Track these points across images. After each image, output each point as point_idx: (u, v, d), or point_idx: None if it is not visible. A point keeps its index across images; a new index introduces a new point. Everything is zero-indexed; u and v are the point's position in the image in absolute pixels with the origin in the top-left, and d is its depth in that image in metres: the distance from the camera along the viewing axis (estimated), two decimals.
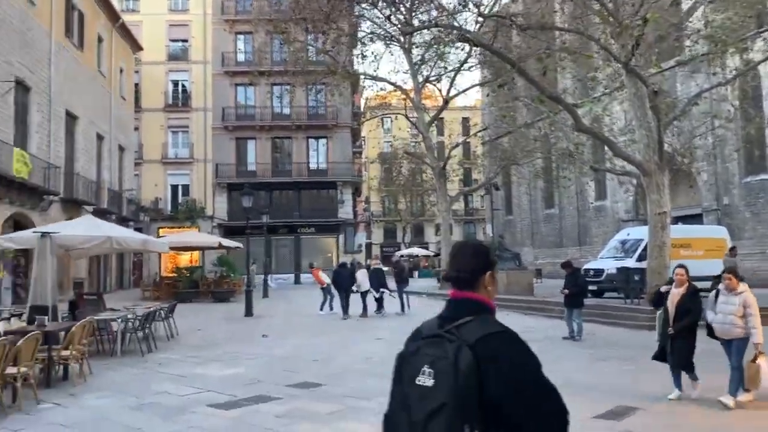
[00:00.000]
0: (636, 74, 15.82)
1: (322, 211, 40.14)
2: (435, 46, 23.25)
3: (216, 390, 8.31)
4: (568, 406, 1.79)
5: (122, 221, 33.88)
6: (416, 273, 54.09)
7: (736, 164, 27.76)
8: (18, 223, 21.73)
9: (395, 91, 32.07)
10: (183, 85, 42.02)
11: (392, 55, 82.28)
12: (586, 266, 22.01)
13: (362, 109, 46.96)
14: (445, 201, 30.67)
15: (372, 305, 18.74)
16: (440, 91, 31.20)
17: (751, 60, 19.68)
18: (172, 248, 30.33)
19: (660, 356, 7.55)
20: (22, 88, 22.46)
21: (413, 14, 24.66)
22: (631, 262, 19.67)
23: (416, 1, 24.61)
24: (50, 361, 8.56)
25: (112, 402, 7.67)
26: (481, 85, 29.95)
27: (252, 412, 7.13)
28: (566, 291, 13.15)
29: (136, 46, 37.67)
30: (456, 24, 17.14)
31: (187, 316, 18.99)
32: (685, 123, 21.33)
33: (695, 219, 28.55)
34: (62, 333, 9.02)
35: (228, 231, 36.81)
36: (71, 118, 27.45)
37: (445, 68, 29.53)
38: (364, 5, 24.99)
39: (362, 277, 18.30)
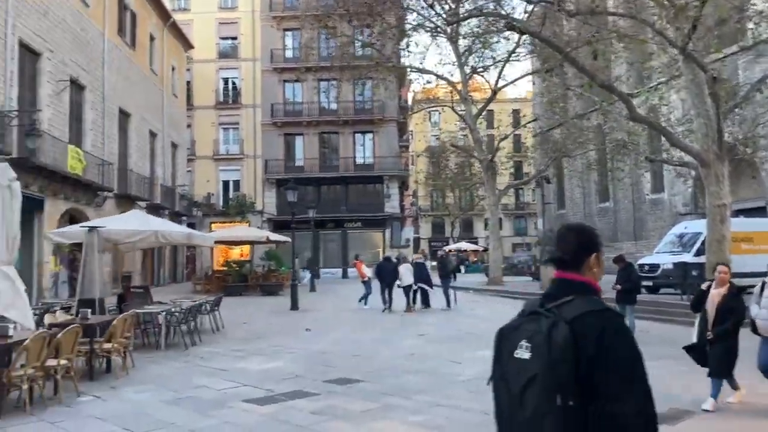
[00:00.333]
0: (694, 60, 15.03)
1: (369, 206, 40.12)
2: (482, 36, 22.74)
3: (254, 384, 8.25)
4: None
5: (175, 216, 34.65)
6: (462, 268, 53.59)
7: None
8: (73, 218, 22.37)
9: (442, 83, 31.63)
10: (233, 83, 42.65)
11: (438, 47, 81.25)
12: (640, 261, 21.18)
13: (409, 103, 46.71)
14: (494, 195, 30.12)
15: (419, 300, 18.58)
16: (488, 82, 30.62)
17: None
18: (219, 242, 30.92)
19: (700, 359, 6.85)
20: (76, 86, 23.11)
21: (459, 3, 24.21)
22: (688, 257, 18.77)
23: None
24: (92, 354, 8.65)
25: (151, 395, 7.69)
26: (530, 74, 29.17)
27: (287, 408, 7.01)
28: (618, 287, 12.59)
29: (187, 45, 38.39)
30: (503, 12, 16.64)
31: (234, 309, 19.23)
32: (748, 110, 20.20)
33: (759, 212, 27.13)
34: (104, 326, 9.10)
35: (277, 225, 37.19)
36: (124, 115, 28.14)
37: (494, 59, 28.98)
38: None
39: (405, 271, 18.08)
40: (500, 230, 59.97)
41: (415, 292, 18.42)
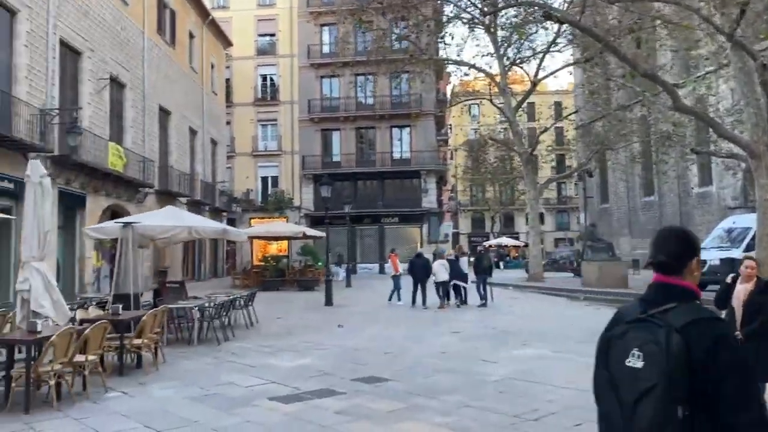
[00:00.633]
0: (742, 47, 14.33)
1: (406, 201, 39.90)
2: (520, 26, 22.23)
3: (281, 382, 8.15)
4: None
5: (215, 212, 35.10)
6: (501, 264, 52.83)
7: None
8: (115, 214, 22.76)
9: (481, 76, 31.14)
10: (271, 79, 42.92)
11: (477, 39, 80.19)
12: None
13: (448, 96, 46.21)
14: (534, 189, 29.54)
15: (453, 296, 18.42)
16: (527, 74, 30.00)
17: None
18: (254, 238, 31.14)
19: None
20: (116, 84, 23.52)
21: None
22: (737, 253, 17.97)
23: None
24: (122, 350, 8.69)
25: (177, 392, 7.66)
26: (570, 65, 28.44)
27: (312, 407, 6.87)
28: None
29: (227, 42, 38.77)
30: (540, 1, 16.16)
31: (270, 305, 19.30)
32: None
33: None
34: (135, 322, 9.13)
35: (314, 221, 37.31)
36: (164, 113, 28.55)
37: (533, 50, 28.39)
38: None
39: (439, 267, 17.78)
40: (542, 225, 58.99)
41: (455, 289, 18.15)
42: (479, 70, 28.68)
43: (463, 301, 18.93)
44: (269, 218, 38.98)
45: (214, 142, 36.51)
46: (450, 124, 61.63)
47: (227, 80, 40.99)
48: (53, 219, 18.69)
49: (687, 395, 1.77)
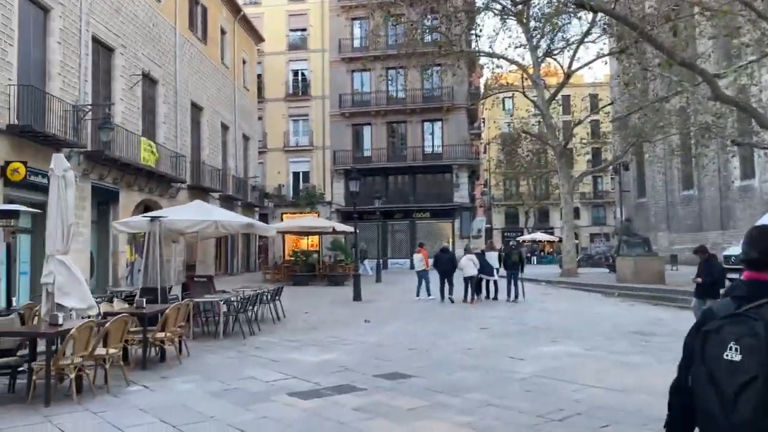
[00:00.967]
0: None
1: (438, 196, 39.57)
2: (552, 17, 21.70)
3: (302, 377, 8.04)
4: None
5: (247, 207, 35.36)
6: (533, 259, 52.12)
7: None
8: (148, 209, 23.02)
9: (513, 68, 30.59)
10: (302, 74, 43.00)
11: (509, 30, 79.08)
12: (726, 252, 19.79)
13: (481, 90, 45.65)
14: (568, 182, 28.94)
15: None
16: (561, 65, 29.38)
17: None
18: (284, 232, 31.20)
19: None
20: (149, 80, 23.78)
21: None
22: None
23: None
24: (146, 343, 8.69)
25: (198, 386, 7.61)
26: (605, 56, 27.73)
27: (331, 403, 6.74)
28: (698, 279, 11.65)
29: (258, 38, 38.95)
30: None
31: (299, 299, 19.32)
32: None
33: None
34: (158, 315, 9.12)
35: (345, 216, 37.27)
36: (196, 108, 28.81)
37: (566, 41, 27.77)
38: None
39: (467, 262, 17.57)
40: (577, 220, 57.89)
41: (477, 283, 17.96)
42: (511, 61, 28.20)
43: (493, 297, 18.73)
44: (301, 213, 39.16)
45: (245, 138, 36.76)
46: (483, 118, 60.97)
47: (259, 76, 41.22)
48: (86, 214, 19.02)
49: None
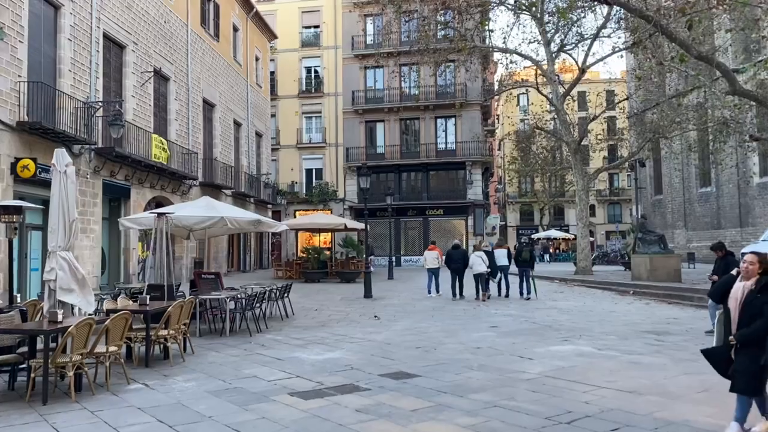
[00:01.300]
0: None
1: (451, 193, 39.31)
2: (566, 11, 21.36)
3: (306, 376, 7.90)
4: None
5: (260, 204, 35.33)
6: (546, 257, 51.68)
7: None
8: (160, 206, 23.02)
9: (528, 64, 30.26)
10: (315, 71, 42.91)
11: (523, 26, 78.47)
12: (744, 250, 19.31)
13: (495, 86, 45.27)
14: (582, 179, 28.54)
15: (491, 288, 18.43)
16: (576, 61, 28.98)
17: None
18: (295, 229, 31.04)
19: (719, 367, 5.42)
20: (160, 77, 23.76)
21: None
22: None
23: None
24: (148, 341, 8.59)
25: (199, 385, 7.48)
26: (619, 51, 27.27)
27: (332, 403, 6.58)
28: (714, 277, 11.38)
29: (271, 35, 38.87)
30: None
31: (309, 296, 19.25)
32: None
33: None
34: (162, 312, 9.02)
35: (358, 213, 37.14)
36: (208, 105, 28.79)
37: (581, 35, 27.35)
38: None
39: (476, 259, 17.42)
40: (593, 217, 57.24)
41: (486, 280, 17.84)
42: (525, 57, 27.84)
43: (505, 294, 18.58)
44: (314, 210, 39.11)
45: (258, 135, 36.73)
46: (497, 115, 60.52)
47: (272, 73, 41.19)
48: (98, 210, 19.04)
49: None
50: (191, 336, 10.45)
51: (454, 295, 18.20)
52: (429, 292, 19.13)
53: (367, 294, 18.49)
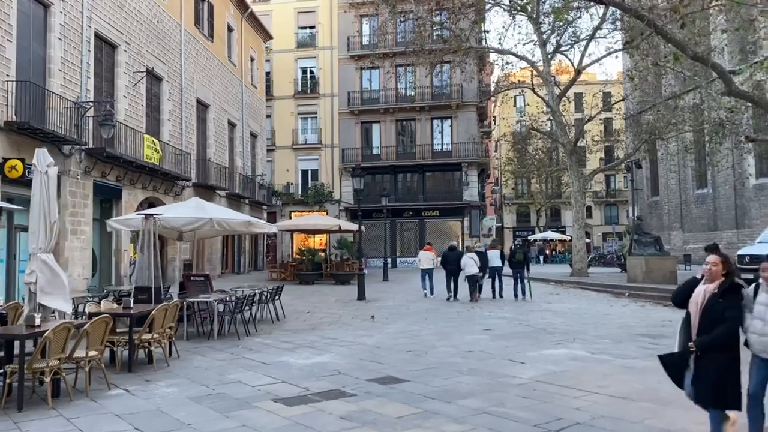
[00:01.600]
0: None
1: (447, 194, 39.15)
2: (561, 11, 21.20)
3: (292, 381, 7.72)
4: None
5: (255, 206, 35.14)
6: (541, 258, 51.52)
7: None
8: (153, 207, 22.84)
9: (524, 65, 30.09)
10: (311, 72, 42.72)
11: (519, 27, 78.53)
12: (740, 252, 19.22)
13: (491, 87, 45.13)
14: (578, 181, 28.40)
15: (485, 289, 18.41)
16: (571, 61, 28.85)
17: None
18: (288, 230, 30.77)
19: (675, 376, 5.13)
20: (153, 77, 23.57)
21: None
22: None
23: None
24: (131, 345, 8.41)
25: (181, 390, 7.30)
26: (615, 52, 27.15)
27: (317, 410, 6.40)
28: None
29: (266, 35, 38.68)
30: None
31: (303, 298, 19.06)
32: None
33: None
34: (145, 316, 8.83)
35: (354, 214, 36.87)
36: (202, 106, 28.59)
37: (577, 36, 27.22)
38: None
39: (467, 260, 17.36)
40: (590, 219, 57.08)
41: (477, 282, 17.82)
42: (520, 57, 27.68)
43: (499, 295, 18.50)
44: (309, 212, 38.91)
45: (253, 136, 36.54)
46: (494, 116, 60.38)
47: (267, 73, 41.01)
48: (88, 211, 18.83)
49: None
50: (179, 339, 10.29)
51: (448, 296, 18.14)
52: (424, 290, 19.36)
53: (361, 296, 18.32)
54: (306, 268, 26.34)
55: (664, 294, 18.13)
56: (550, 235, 55.20)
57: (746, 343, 4.85)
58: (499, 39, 71.73)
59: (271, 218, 39.02)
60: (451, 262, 18.05)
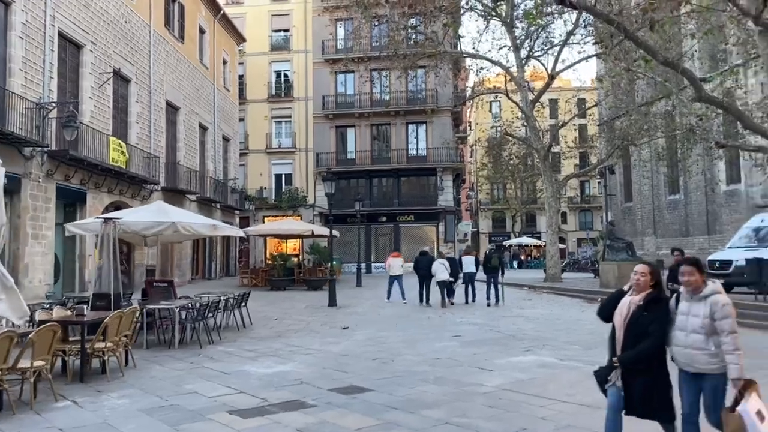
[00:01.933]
0: None
1: (422, 199, 38.97)
2: (534, 16, 21.24)
3: (250, 392, 7.41)
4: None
5: (227, 210, 34.63)
6: (515, 263, 51.67)
7: None
8: (119, 210, 22.33)
9: (498, 70, 30.12)
10: (285, 75, 42.35)
11: (492, 32, 79.11)
12: (711, 257, 19.32)
13: (466, 93, 45.19)
14: (552, 186, 28.46)
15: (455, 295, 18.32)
16: (545, 67, 28.94)
17: None
18: (260, 235, 30.37)
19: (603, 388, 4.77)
20: (120, 78, 23.05)
21: None
22: (765, 253, 16.84)
23: None
24: (83, 354, 8.03)
25: (132, 402, 6.95)
26: (588, 58, 27.31)
27: (273, 422, 6.12)
28: (675, 286, 11.09)
29: (240, 38, 38.25)
30: None
31: (272, 305, 18.72)
32: None
33: None
34: (98, 323, 8.45)
35: (328, 219, 36.58)
36: (172, 108, 28.08)
37: (550, 42, 27.32)
38: None
39: (438, 266, 17.26)
40: (564, 224, 57.40)
41: (449, 288, 17.67)
42: (494, 63, 27.70)
43: (472, 299, 18.40)
44: (283, 216, 38.42)
45: (226, 139, 36.05)
46: (469, 122, 60.52)
47: (240, 76, 40.56)
48: (51, 216, 18.26)
49: None
50: (138, 348, 9.92)
51: (420, 301, 18.03)
52: (388, 298, 19.28)
53: (332, 302, 18.01)
54: (278, 273, 25.96)
55: None
56: (525, 240, 55.41)
57: (673, 358, 4.51)
58: (473, 44, 71.99)
59: (244, 223, 38.51)
60: (422, 268, 17.93)
